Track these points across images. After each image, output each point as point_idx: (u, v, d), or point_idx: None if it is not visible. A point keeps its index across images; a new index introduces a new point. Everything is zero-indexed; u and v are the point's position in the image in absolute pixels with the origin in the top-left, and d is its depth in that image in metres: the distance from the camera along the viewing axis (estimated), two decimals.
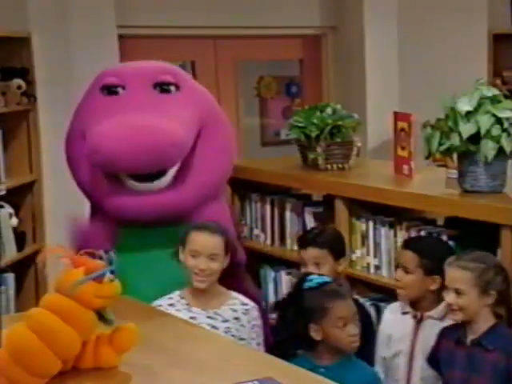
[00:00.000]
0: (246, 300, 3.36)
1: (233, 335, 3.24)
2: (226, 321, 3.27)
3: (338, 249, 3.56)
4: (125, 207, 3.73)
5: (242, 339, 3.24)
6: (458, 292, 2.87)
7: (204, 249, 3.29)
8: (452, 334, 2.99)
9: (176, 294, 3.36)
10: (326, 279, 3.12)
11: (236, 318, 3.28)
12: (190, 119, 3.73)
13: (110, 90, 3.81)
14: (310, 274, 3.21)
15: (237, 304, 3.31)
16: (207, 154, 3.80)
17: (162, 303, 3.33)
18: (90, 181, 3.86)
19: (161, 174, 3.67)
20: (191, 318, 3.25)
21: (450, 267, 2.93)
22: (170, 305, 3.32)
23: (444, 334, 3.03)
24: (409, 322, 3.23)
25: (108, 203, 3.79)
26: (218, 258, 3.29)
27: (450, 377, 2.98)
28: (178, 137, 3.57)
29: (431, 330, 3.15)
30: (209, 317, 3.28)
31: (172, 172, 3.69)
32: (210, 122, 3.85)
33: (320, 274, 3.25)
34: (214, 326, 3.24)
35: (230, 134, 4.04)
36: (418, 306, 3.23)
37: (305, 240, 3.61)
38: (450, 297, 2.90)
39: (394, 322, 3.30)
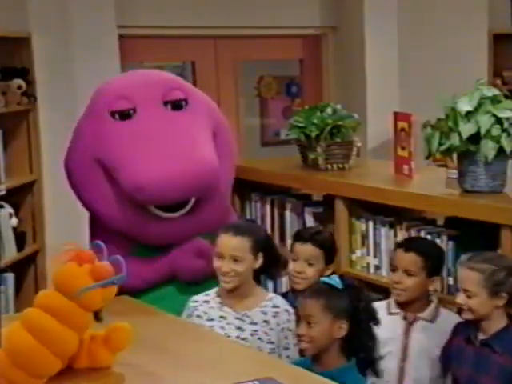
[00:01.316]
0: (279, 302, 3.28)
1: (259, 338, 3.18)
2: (254, 323, 3.21)
3: (331, 254, 3.54)
4: (149, 235, 3.75)
5: (270, 342, 3.19)
6: (467, 293, 2.86)
7: (226, 250, 3.24)
8: (464, 332, 2.98)
9: (213, 291, 3.35)
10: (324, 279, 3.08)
11: (265, 321, 3.22)
12: (209, 135, 3.73)
13: (121, 114, 3.70)
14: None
15: (268, 306, 3.24)
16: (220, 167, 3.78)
17: (199, 299, 3.34)
18: (109, 207, 3.75)
19: (185, 202, 3.68)
20: (221, 316, 3.25)
21: (461, 267, 2.91)
22: (206, 301, 3.32)
23: (457, 330, 3.03)
24: (398, 324, 3.19)
25: (131, 230, 3.76)
26: (241, 260, 3.22)
27: (458, 374, 2.98)
28: (216, 163, 3.59)
29: (423, 332, 3.16)
30: (237, 318, 3.23)
31: (194, 199, 3.71)
32: (217, 132, 3.84)
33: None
34: (240, 328, 3.20)
35: (231, 139, 4.02)
36: (407, 307, 3.20)
37: (304, 235, 3.60)
38: (460, 297, 2.89)
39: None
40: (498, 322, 2.87)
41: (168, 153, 3.55)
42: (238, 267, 3.21)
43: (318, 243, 3.49)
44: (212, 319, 3.25)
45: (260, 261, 3.28)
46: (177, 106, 3.75)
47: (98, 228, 3.92)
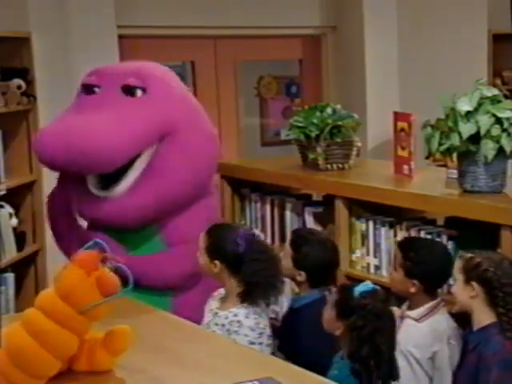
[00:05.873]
0: (240, 312, 3.29)
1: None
2: (215, 322, 3.32)
3: (300, 259, 3.42)
4: (86, 211, 3.82)
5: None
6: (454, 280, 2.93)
7: None
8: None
9: None
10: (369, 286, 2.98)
11: (222, 325, 3.29)
12: (145, 125, 3.69)
13: (88, 89, 3.85)
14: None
15: (232, 312, 3.29)
16: (171, 162, 3.75)
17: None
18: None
19: (117, 179, 3.68)
20: (211, 309, 3.42)
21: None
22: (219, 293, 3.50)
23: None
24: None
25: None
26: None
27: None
28: (104, 142, 3.55)
29: (406, 329, 3.14)
30: (214, 313, 3.37)
31: (130, 179, 3.69)
32: (180, 129, 3.77)
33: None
34: (211, 321, 3.33)
35: (206, 144, 3.90)
36: (409, 304, 3.24)
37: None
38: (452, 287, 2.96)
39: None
40: (482, 321, 2.83)
41: (76, 122, 3.63)
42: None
43: (290, 240, 3.53)
44: (210, 308, 3.43)
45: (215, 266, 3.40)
46: (130, 92, 3.79)
47: None
